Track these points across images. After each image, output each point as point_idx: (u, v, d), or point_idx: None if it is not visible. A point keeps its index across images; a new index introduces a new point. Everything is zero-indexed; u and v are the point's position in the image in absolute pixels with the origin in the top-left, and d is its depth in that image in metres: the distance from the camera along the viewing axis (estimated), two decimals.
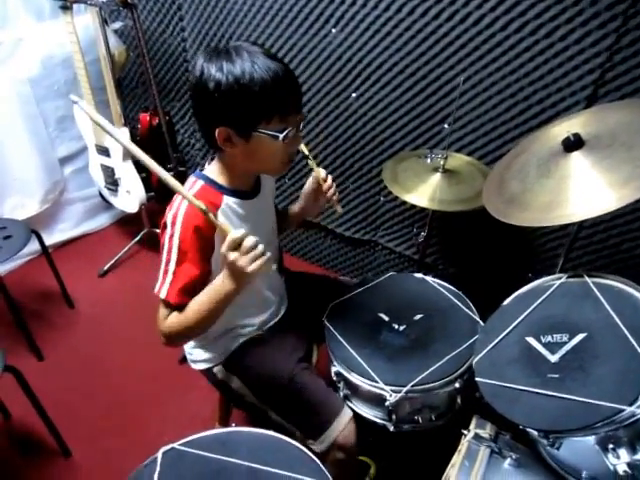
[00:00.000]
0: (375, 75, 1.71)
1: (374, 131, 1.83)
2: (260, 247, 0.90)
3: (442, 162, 1.44)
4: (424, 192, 1.43)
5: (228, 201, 1.04)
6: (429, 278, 1.37)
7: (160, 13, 2.17)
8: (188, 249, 0.97)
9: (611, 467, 0.79)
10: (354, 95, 1.80)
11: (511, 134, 1.56)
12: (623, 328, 0.84)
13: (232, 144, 0.95)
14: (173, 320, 1.00)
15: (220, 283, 0.96)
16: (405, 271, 2.07)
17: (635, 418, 0.75)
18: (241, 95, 0.88)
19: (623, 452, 0.78)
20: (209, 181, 1.03)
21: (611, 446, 0.78)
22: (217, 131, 0.93)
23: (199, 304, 0.99)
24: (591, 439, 0.82)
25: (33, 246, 2.02)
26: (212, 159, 1.08)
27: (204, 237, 0.99)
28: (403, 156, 1.62)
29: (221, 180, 1.04)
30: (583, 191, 0.93)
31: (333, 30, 1.72)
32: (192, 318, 0.99)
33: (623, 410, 0.76)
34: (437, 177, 1.46)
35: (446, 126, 1.57)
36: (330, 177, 1.22)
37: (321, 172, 1.21)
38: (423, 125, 1.72)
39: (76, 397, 1.79)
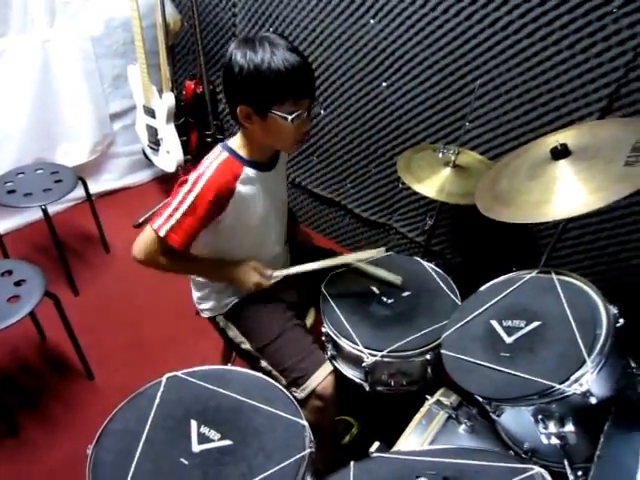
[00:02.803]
0: (406, 67, 1.81)
1: (399, 120, 1.93)
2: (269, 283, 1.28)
3: (453, 157, 1.53)
4: (434, 184, 1.53)
5: (247, 171, 1.19)
6: (423, 261, 1.49)
7: None
8: (198, 207, 1.12)
9: (540, 436, 0.91)
10: (384, 84, 1.90)
11: (525, 137, 1.63)
12: (571, 320, 0.94)
13: (251, 121, 1.10)
14: (163, 260, 1.20)
15: (228, 271, 1.26)
16: (414, 256, 2.17)
17: (564, 395, 0.87)
18: (259, 80, 1.02)
19: (551, 424, 0.89)
20: (232, 152, 1.18)
21: (540, 417, 0.90)
22: (239, 108, 1.08)
23: (199, 264, 1.29)
24: (529, 412, 0.93)
25: (79, 192, 2.21)
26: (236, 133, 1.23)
27: (220, 203, 1.15)
28: (420, 148, 1.72)
29: (242, 152, 1.19)
30: (561, 195, 1.03)
31: (372, 21, 1.82)
32: (182, 269, 1.27)
33: (554, 387, 0.87)
34: (447, 171, 1.55)
35: (467, 124, 1.65)
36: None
37: None
38: (445, 120, 1.81)
39: (104, 330, 2.01)
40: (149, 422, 0.95)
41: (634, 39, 1.32)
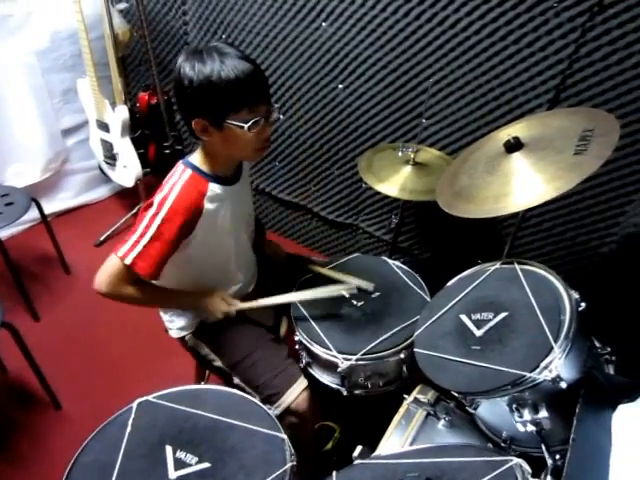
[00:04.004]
0: (360, 69, 1.82)
1: (358, 121, 1.94)
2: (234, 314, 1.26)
3: (412, 155, 1.55)
4: (396, 182, 1.54)
5: (213, 187, 1.15)
6: (390, 260, 1.50)
7: None
8: (166, 231, 1.08)
9: (516, 425, 0.92)
10: (341, 86, 1.91)
11: (481, 131, 1.67)
12: (536, 308, 0.97)
13: (208, 133, 1.08)
14: (130, 291, 1.15)
15: (194, 301, 1.25)
16: (383, 254, 2.19)
17: (535, 382, 0.88)
18: (210, 91, 1.00)
19: (526, 412, 0.91)
20: (195, 169, 1.15)
21: (515, 406, 0.92)
22: (194, 122, 1.06)
23: (166, 294, 1.26)
24: (504, 402, 0.95)
25: (33, 213, 2.13)
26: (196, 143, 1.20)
27: (188, 224, 1.11)
28: (380, 147, 1.73)
29: (206, 168, 1.16)
30: (519, 187, 1.05)
31: (324, 24, 1.82)
32: (149, 300, 1.23)
33: (525, 376, 0.89)
34: (408, 169, 1.57)
35: (424, 121, 1.68)
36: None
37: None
38: (402, 118, 1.83)
39: (68, 356, 1.94)
40: (121, 452, 0.92)
41: (575, 32, 1.36)
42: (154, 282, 1.18)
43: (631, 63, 1.33)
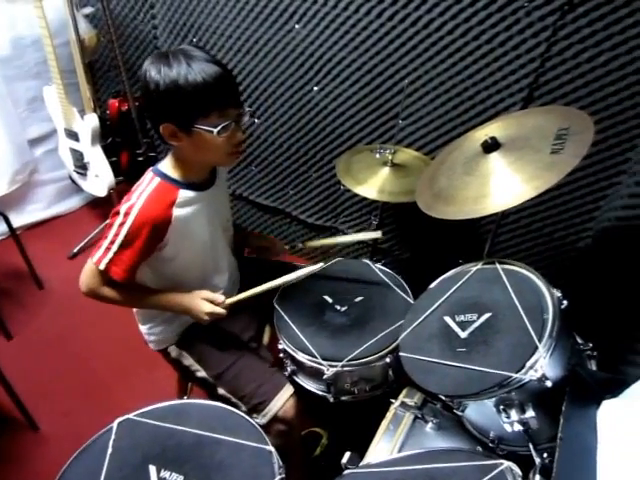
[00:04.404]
0: (335, 70, 1.80)
1: (335, 123, 1.93)
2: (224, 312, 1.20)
3: (390, 156, 1.55)
4: (374, 184, 1.53)
5: (184, 194, 1.12)
6: (372, 263, 1.49)
7: (131, 0, 2.21)
8: (134, 240, 1.07)
9: (504, 425, 0.93)
10: (316, 89, 1.89)
11: (457, 131, 1.67)
12: (520, 308, 0.97)
13: (177, 138, 1.05)
14: (109, 293, 1.16)
15: (177, 303, 1.19)
16: (363, 256, 2.19)
17: (521, 383, 0.88)
18: (177, 95, 0.98)
19: (513, 412, 0.92)
20: (165, 177, 1.12)
21: (502, 407, 0.92)
22: (162, 127, 1.03)
23: (147, 295, 1.20)
24: (491, 403, 0.95)
25: (1, 227, 2.06)
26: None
27: (157, 234, 1.09)
28: (357, 149, 1.72)
29: (176, 174, 1.13)
30: (498, 187, 1.05)
31: (297, 26, 1.80)
32: (129, 300, 1.20)
33: (511, 376, 0.89)
34: (386, 170, 1.56)
35: (400, 122, 1.68)
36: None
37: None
38: (379, 119, 1.82)
39: (44, 374, 1.87)
40: (103, 475, 0.88)
41: (546, 30, 1.38)
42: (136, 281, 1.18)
43: (601, 61, 1.35)
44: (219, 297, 1.20)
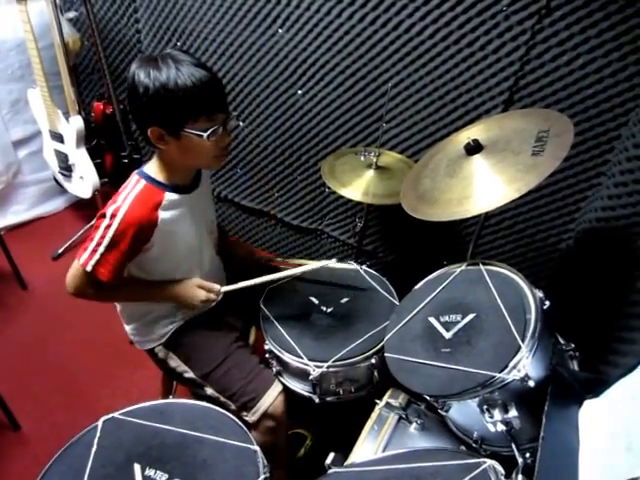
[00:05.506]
0: (319, 74, 1.81)
1: (319, 126, 1.93)
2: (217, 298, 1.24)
3: (374, 159, 1.56)
4: (359, 186, 1.54)
5: (169, 197, 1.13)
6: (357, 265, 1.50)
7: (115, 4, 2.20)
8: (120, 242, 1.07)
9: (487, 425, 0.94)
10: (300, 92, 1.90)
11: (440, 133, 1.69)
12: (503, 308, 0.98)
13: (165, 142, 1.05)
14: (98, 293, 1.17)
15: (170, 292, 1.20)
16: (348, 258, 2.19)
17: (504, 382, 0.90)
18: (167, 99, 0.98)
19: (496, 412, 0.92)
20: (150, 180, 1.12)
21: (485, 407, 0.93)
22: (150, 131, 1.03)
23: (138, 289, 1.21)
24: (474, 403, 0.96)
25: None
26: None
27: (142, 236, 1.09)
28: (342, 152, 1.73)
29: (161, 177, 1.13)
30: (480, 189, 1.07)
31: (280, 30, 1.81)
32: (120, 297, 1.22)
33: (494, 376, 0.90)
34: (370, 173, 1.57)
35: (384, 125, 1.69)
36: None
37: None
38: (362, 122, 1.83)
39: (27, 374, 1.85)
40: (87, 473, 0.88)
41: (525, 34, 1.40)
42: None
43: (579, 64, 1.37)
44: (215, 285, 1.24)
